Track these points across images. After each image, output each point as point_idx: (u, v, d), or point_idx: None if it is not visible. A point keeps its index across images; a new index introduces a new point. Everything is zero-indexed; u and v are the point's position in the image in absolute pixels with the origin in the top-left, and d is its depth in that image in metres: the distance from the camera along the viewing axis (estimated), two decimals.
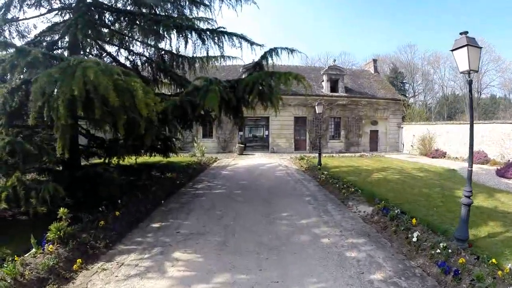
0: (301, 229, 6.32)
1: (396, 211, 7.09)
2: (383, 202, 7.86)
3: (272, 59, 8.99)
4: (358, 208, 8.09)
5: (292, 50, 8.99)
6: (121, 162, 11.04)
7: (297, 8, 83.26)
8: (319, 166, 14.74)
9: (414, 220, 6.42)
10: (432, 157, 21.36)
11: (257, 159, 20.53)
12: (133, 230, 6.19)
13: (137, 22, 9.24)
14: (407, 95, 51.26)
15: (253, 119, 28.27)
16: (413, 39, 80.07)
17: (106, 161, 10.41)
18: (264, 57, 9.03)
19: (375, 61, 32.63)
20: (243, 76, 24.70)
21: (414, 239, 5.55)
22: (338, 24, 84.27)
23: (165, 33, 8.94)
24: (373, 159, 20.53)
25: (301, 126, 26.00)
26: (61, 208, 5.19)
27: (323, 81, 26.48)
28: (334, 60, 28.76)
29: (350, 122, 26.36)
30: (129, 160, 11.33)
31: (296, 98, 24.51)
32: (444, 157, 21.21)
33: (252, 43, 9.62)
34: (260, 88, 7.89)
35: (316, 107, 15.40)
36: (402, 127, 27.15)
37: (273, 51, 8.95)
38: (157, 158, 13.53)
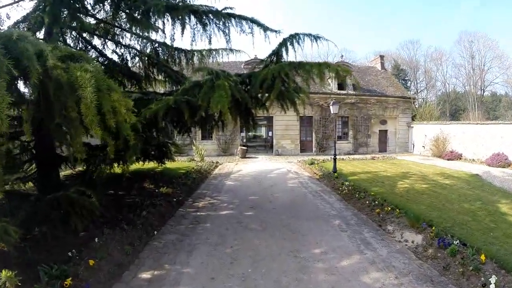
0: (346, 278, 4.63)
1: (455, 242, 5.56)
2: (433, 228, 6.33)
3: (294, 48, 7.21)
4: (402, 235, 6.46)
5: (317, 38, 7.23)
6: (112, 170, 9.34)
7: (296, 5, 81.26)
8: (335, 173, 13.07)
9: (483, 257, 4.95)
10: (448, 159, 19.84)
11: (262, 163, 18.79)
12: (114, 285, 4.42)
13: (122, 5, 7.42)
14: (410, 92, 49.85)
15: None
16: (415, 35, 78.83)
17: (91, 168, 8.71)
18: (283, 44, 7.21)
19: (382, 57, 30.94)
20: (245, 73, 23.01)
21: (492, 286, 4.19)
22: (338, 20, 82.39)
23: (156, 16, 7.10)
24: (386, 162, 18.91)
25: (307, 127, 24.31)
26: (4, 271, 3.44)
27: (329, 78, 24.74)
28: (342, 56, 27.15)
29: (359, 122, 24.71)
30: (122, 168, 9.65)
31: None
32: (460, 159, 19.77)
33: (266, 29, 7.79)
34: (282, 85, 6.09)
35: (331, 107, 13.70)
36: (413, 127, 25.56)
37: (294, 37, 7.16)
38: (151, 164, 11.82)
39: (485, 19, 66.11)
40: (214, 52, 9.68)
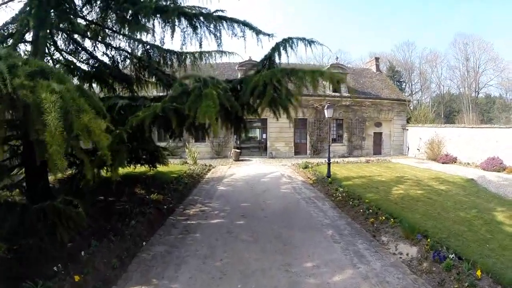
0: None
1: (450, 256, 5.45)
2: (428, 240, 6.21)
3: (287, 53, 7.07)
4: (397, 247, 6.33)
5: (311, 42, 7.08)
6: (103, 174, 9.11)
7: (296, 5, 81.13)
8: (329, 178, 12.94)
9: (479, 272, 4.83)
10: (443, 163, 19.80)
11: (255, 167, 18.61)
12: None
13: (112, 6, 7.20)
14: (404, 94, 49.93)
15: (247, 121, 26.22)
16: (410, 37, 79.01)
17: (79, 176, 8.45)
18: (276, 49, 7.05)
19: (377, 59, 30.85)
20: (239, 76, 22.71)
21: None
22: (338, 20, 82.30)
23: (145, 19, 6.88)
24: (381, 165, 18.81)
25: (301, 129, 24.13)
26: None
27: (323, 81, 24.58)
28: (337, 58, 27.07)
29: (353, 124, 24.61)
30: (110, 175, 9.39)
31: None
32: (455, 162, 19.74)
33: (258, 32, 7.65)
34: (274, 91, 5.90)
35: (325, 110, 13.56)
36: (407, 129, 25.54)
37: (287, 42, 7.01)
38: (143, 168, 11.60)
39: (484, 20, 66.56)
40: (206, 54, 9.48)
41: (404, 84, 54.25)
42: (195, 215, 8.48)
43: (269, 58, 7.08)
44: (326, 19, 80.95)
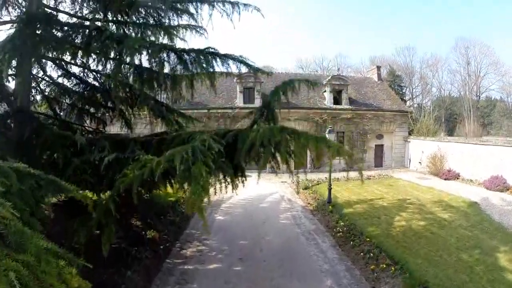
0: None
1: None
2: None
3: (287, 96, 6.84)
4: None
5: (314, 84, 6.88)
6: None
7: (296, 4, 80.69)
8: (329, 204, 12.72)
9: None
10: (445, 179, 19.58)
11: (254, 184, 18.25)
12: None
13: (94, 38, 6.86)
14: (405, 98, 49.61)
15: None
16: (411, 37, 78.76)
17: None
18: (276, 93, 6.83)
19: (378, 68, 30.48)
20: (239, 89, 22.35)
21: None
22: (338, 20, 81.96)
23: (130, 56, 6.58)
24: (383, 183, 18.55)
25: None
26: None
27: (325, 91, 24.31)
28: (338, 69, 26.76)
29: (355, 137, 24.32)
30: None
31: (297, 112, 22.27)
32: (458, 178, 19.52)
33: (256, 70, 7.46)
34: (273, 149, 5.65)
35: (327, 135, 13.33)
36: (409, 141, 25.25)
37: (288, 85, 6.80)
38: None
39: (486, 19, 66.36)
40: (202, 76, 9.28)
41: (405, 88, 53.95)
42: (192, 257, 8.23)
43: (267, 106, 6.79)
44: (326, 19, 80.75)
